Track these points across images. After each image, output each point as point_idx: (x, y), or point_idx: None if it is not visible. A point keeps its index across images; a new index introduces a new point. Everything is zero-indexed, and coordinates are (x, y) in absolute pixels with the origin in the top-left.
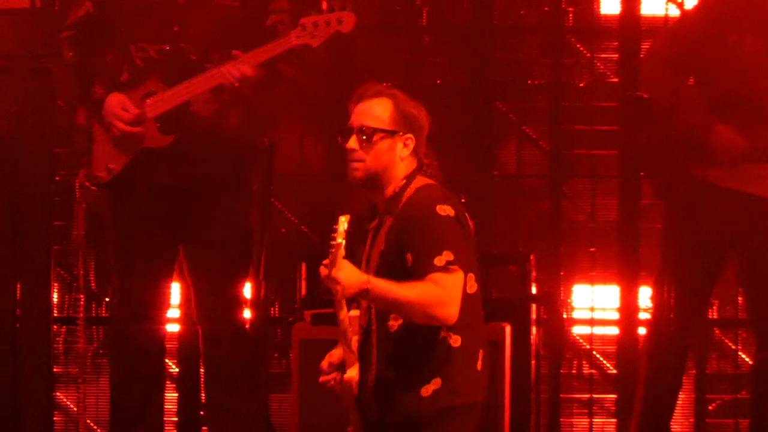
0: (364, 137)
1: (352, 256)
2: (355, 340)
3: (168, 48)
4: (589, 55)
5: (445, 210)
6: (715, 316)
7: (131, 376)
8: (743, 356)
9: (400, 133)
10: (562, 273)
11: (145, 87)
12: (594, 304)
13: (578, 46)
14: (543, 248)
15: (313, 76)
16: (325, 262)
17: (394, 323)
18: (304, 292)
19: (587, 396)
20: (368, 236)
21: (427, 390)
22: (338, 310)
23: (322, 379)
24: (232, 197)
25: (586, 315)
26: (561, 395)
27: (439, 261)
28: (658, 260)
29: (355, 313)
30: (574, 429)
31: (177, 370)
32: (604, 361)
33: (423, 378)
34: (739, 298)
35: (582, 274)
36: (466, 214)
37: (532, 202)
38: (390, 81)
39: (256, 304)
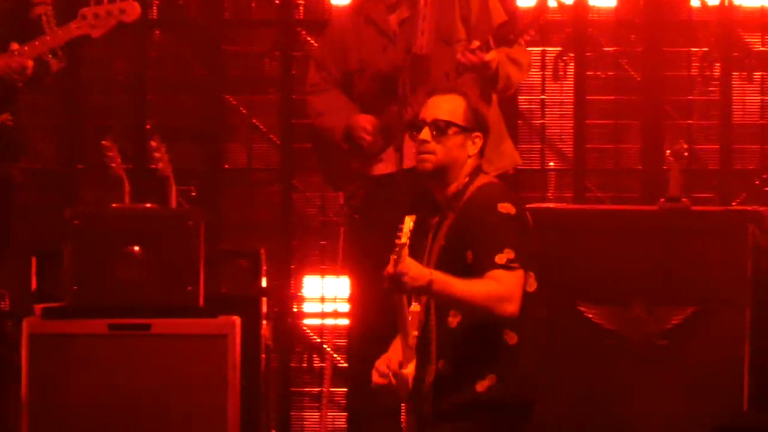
0: (438, 130)
1: (413, 250)
2: (413, 336)
3: None
4: None
5: (506, 208)
6: None
7: None
8: None
9: (470, 131)
10: (292, 266)
11: None
12: (324, 297)
13: (309, 39)
14: (273, 242)
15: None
16: (393, 257)
17: (453, 320)
18: (34, 286)
19: (318, 390)
20: (429, 231)
21: (482, 385)
22: (400, 306)
23: (378, 380)
24: None
25: (317, 308)
26: (291, 389)
27: (500, 259)
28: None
29: (415, 308)
30: (305, 423)
31: None
32: (335, 355)
33: (479, 373)
34: None
35: (312, 267)
36: (527, 212)
37: (262, 195)
38: (121, 75)
39: None
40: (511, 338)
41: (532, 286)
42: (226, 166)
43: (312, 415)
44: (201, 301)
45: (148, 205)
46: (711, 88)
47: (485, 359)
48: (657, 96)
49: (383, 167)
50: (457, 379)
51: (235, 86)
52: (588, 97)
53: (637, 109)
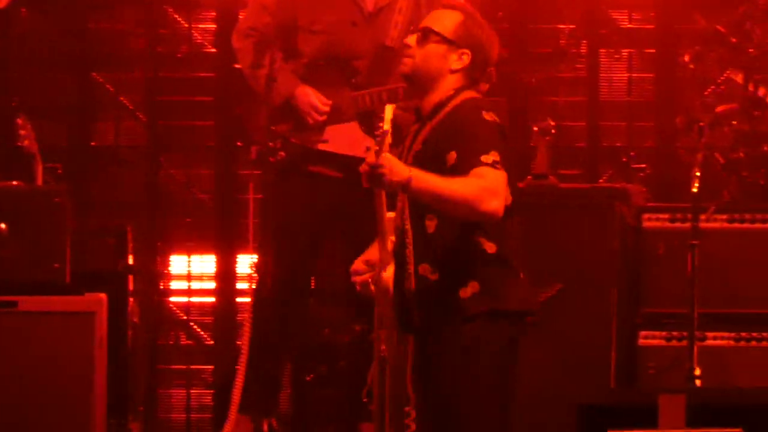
0: (422, 37)
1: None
2: (390, 241)
3: None
4: (186, 25)
5: (491, 116)
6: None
7: None
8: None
9: (457, 46)
10: (159, 243)
11: None
12: (191, 274)
13: (176, 16)
14: (140, 219)
15: None
16: (373, 148)
17: (430, 223)
18: None
19: (184, 367)
20: (407, 138)
21: (465, 292)
22: (378, 207)
23: (356, 279)
24: None
25: (183, 285)
26: (158, 366)
27: (486, 158)
28: (259, 229)
29: (390, 214)
30: (172, 400)
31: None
32: (201, 332)
33: (460, 280)
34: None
35: (179, 244)
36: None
37: (129, 172)
38: None
39: None
40: (490, 247)
41: (509, 198)
42: (93, 143)
43: (178, 393)
44: (67, 279)
45: (14, 182)
46: (578, 65)
47: (466, 265)
48: (523, 72)
49: (322, 144)
50: (439, 287)
51: (101, 64)
52: None
53: (503, 86)
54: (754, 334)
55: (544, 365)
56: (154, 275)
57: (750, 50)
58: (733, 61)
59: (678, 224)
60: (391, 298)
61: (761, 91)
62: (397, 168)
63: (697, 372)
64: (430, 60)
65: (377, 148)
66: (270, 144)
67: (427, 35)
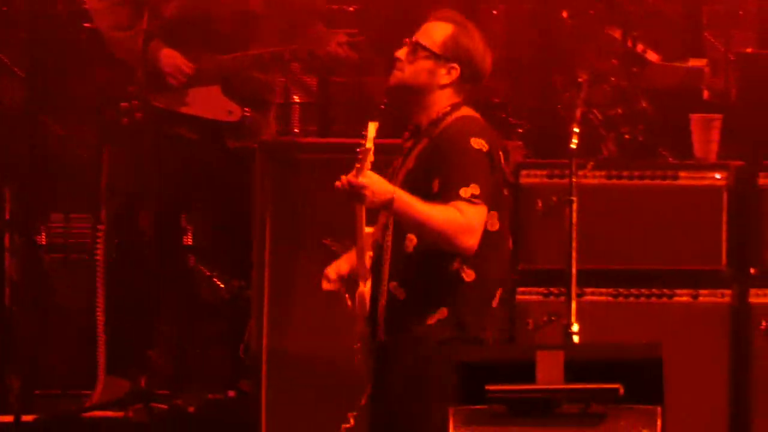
0: (412, 51)
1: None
2: (368, 256)
3: None
4: None
5: (479, 144)
6: (190, 243)
7: None
8: (218, 283)
9: (444, 60)
10: (37, 201)
11: None
12: (70, 232)
13: None
14: (19, 177)
15: None
16: (356, 164)
17: (410, 244)
18: None
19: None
20: (401, 154)
21: (432, 318)
22: (358, 221)
23: (326, 287)
24: None
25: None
26: (38, 324)
27: (464, 192)
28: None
29: (369, 229)
30: (53, 355)
31: None
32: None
33: (430, 305)
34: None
35: (59, 202)
36: (501, 151)
37: (8, 131)
38: None
39: None
40: (468, 275)
41: (495, 225)
42: None
43: (60, 348)
44: None
45: None
46: None
47: (439, 290)
48: (401, 30)
49: (183, 107)
50: (409, 308)
51: None
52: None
53: (383, 44)
54: (633, 291)
55: None
56: (31, 233)
57: (628, 6)
58: (612, 18)
59: (556, 180)
60: (366, 312)
61: (640, 48)
62: (380, 188)
63: (575, 328)
64: (418, 75)
65: (359, 166)
66: (125, 105)
67: (415, 50)
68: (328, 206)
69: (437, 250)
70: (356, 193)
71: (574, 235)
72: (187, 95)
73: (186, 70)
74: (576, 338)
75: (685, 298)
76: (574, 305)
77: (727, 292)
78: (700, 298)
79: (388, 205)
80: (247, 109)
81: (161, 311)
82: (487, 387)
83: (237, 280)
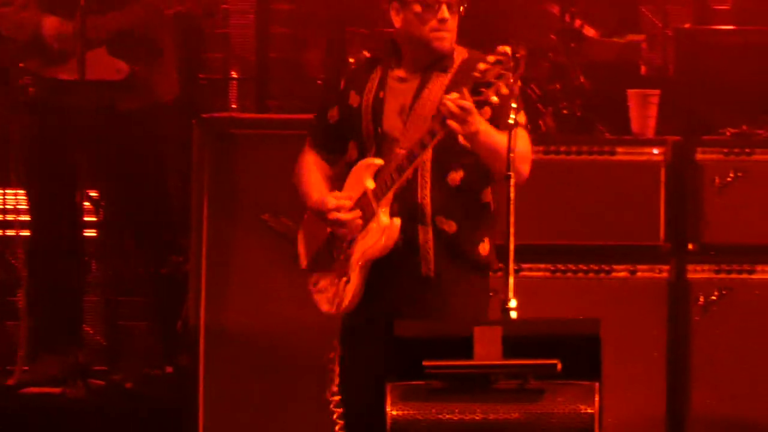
0: (452, 8)
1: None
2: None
3: None
4: None
5: None
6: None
7: None
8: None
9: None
10: None
11: None
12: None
13: None
14: None
15: None
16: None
17: (456, 176)
18: None
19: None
20: (376, 85)
21: (484, 249)
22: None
23: (337, 215)
24: None
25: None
26: None
27: (521, 118)
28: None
29: (379, 161)
30: None
31: None
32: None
33: (477, 236)
34: None
35: None
36: None
37: None
38: None
39: None
40: (494, 206)
41: None
42: None
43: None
44: None
45: None
46: None
47: (480, 222)
48: (339, 6)
49: (64, 73)
50: (459, 239)
51: None
52: (271, 6)
53: (319, 19)
54: (570, 266)
55: None
56: None
57: None
58: None
59: None
60: (387, 248)
61: (577, 23)
62: (476, 118)
63: (513, 304)
64: (456, 28)
65: (466, 90)
66: (20, 82)
67: (456, 6)
68: (265, 182)
69: (479, 182)
70: (462, 116)
71: (512, 210)
72: (75, 62)
73: (67, 34)
74: (514, 314)
75: (623, 274)
76: (511, 281)
77: (665, 267)
78: (638, 274)
79: (475, 132)
80: (136, 67)
81: (94, 288)
82: (424, 362)
83: (175, 256)
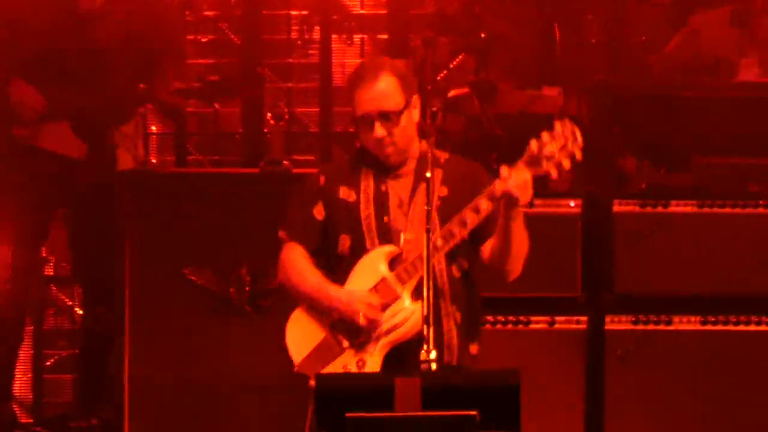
0: (387, 121)
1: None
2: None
3: None
4: None
5: None
6: (51, 273)
7: None
8: (79, 312)
9: (411, 100)
10: None
11: None
12: None
13: None
14: None
15: None
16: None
17: (461, 267)
18: None
19: None
20: (373, 180)
21: (474, 348)
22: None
23: (373, 316)
24: None
25: None
26: None
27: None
28: None
29: (396, 248)
30: None
31: None
32: None
33: (475, 331)
34: None
35: None
36: None
37: None
38: None
39: None
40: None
41: None
42: None
43: None
44: None
45: None
46: (311, 51)
47: (476, 320)
48: (256, 59)
49: (33, 140)
50: (463, 331)
51: None
52: (189, 62)
53: (236, 73)
54: (489, 318)
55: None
56: None
57: (481, 34)
58: (465, 46)
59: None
60: (413, 332)
61: (492, 76)
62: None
63: (433, 355)
64: (406, 132)
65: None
66: None
67: (391, 118)
68: (187, 236)
69: (475, 274)
70: (529, 190)
71: (429, 266)
72: (41, 129)
73: (36, 105)
74: (433, 366)
75: (541, 325)
76: (431, 332)
77: (583, 318)
78: (557, 325)
79: (515, 213)
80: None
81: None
82: (347, 415)
83: (99, 307)
